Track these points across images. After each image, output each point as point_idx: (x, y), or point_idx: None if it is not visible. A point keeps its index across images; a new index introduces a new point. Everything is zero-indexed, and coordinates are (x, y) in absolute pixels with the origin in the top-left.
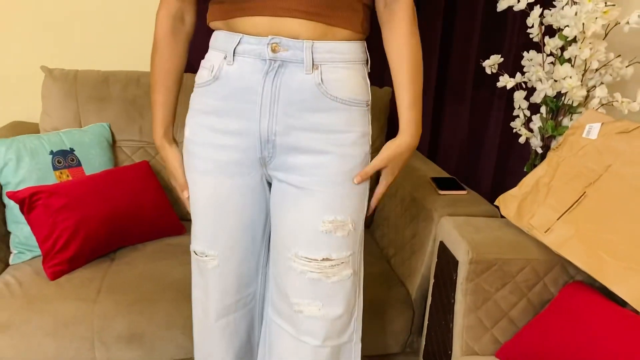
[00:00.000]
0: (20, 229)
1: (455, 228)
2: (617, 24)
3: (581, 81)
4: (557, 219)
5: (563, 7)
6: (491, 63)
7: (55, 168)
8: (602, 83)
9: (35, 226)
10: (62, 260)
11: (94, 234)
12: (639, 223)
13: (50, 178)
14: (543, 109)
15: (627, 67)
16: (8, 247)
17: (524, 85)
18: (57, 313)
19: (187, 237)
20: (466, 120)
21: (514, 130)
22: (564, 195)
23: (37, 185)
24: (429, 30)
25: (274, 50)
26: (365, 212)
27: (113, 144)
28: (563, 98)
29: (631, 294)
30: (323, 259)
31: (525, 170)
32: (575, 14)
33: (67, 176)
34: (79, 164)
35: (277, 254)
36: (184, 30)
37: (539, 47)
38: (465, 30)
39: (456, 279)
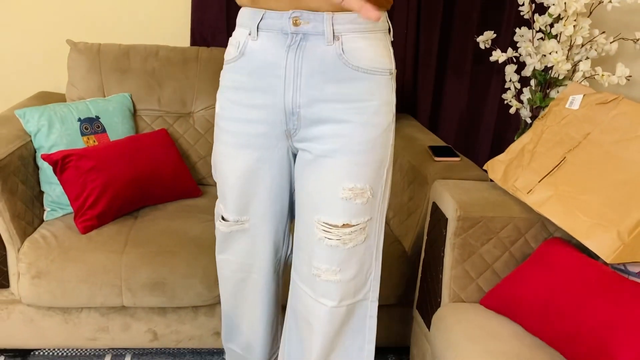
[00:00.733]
0: (52, 189)
1: (446, 190)
2: (600, 2)
3: (567, 56)
4: (539, 182)
5: None
6: (484, 39)
7: (83, 134)
8: (587, 58)
9: (67, 185)
10: (91, 216)
11: (119, 194)
12: (612, 185)
13: (79, 143)
14: (532, 82)
15: (611, 43)
16: (42, 205)
17: (515, 60)
18: (89, 262)
19: (203, 199)
20: (465, 94)
21: (505, 102)
22: (546, 160)
23: (68, 149)
24: (431, 9)
25: (295, 24)
26: (384, 180)
27: (134, 113)
28: (550, 72)
29: (600, 247)
30: (343, 225)
31: (515, 139)
32: None
33: (94, 141)
34: (104, 131)
35: (300, 219)
36: None
37: (530, 24)
38: (465, 9)
39: (446, 234)
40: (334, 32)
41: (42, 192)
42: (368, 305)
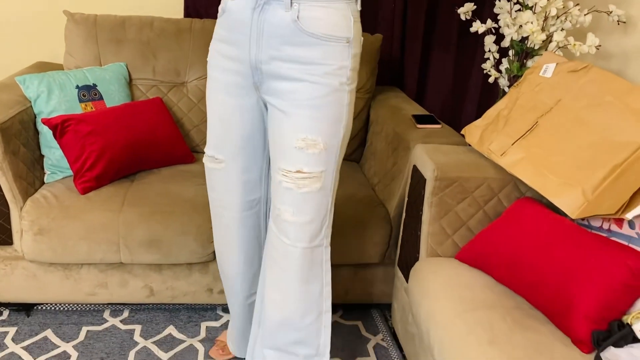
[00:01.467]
0: (52, 152)
1: (425, 153)
2: None
3: (542, 27)
4: (512, 144)
5: None
6: (464, 10)
7: (81, 100)
8: (562, 29)
9: (66, 148)
10: (90, 177)
11: (117, 157)
12: (579, 148)
13: (77, 109)
14: (510, 52)
15: (585, 15)
16: (42, 169)
17: (494, 31)
18: (88, 221)
19: (197, 165)
20: (451, 67)
21: (485, 71)
22: (519, 124)
23: (67, 114)
24: None
25: None
26: (340, 138)
27: (129, 82)
28: (526, 42)
29: (566, 204)
30: (297, 171)
31: None
32: None
33: (91, 108)
34: (101, 98)
35: (271, 165)
36: None
37: None
38: None
39: (424, 194)
40: (291, 0)
41: (42, 156)
42: (323, 251)
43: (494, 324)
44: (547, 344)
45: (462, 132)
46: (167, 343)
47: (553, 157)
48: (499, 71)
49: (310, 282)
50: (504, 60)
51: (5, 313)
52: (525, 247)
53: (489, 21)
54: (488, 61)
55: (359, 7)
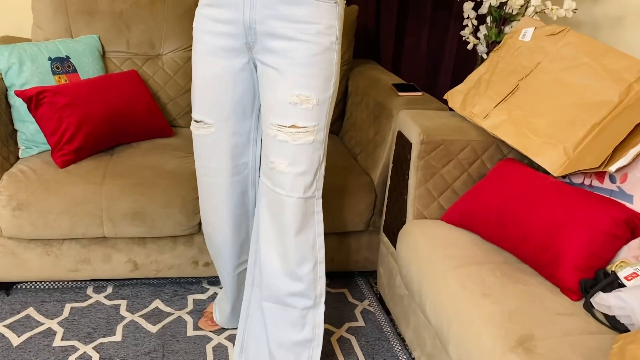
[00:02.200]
0: (26, 127)
1: (410, 117)
2: None
3: None
4: (494, 107)
5: None
6: None
7: (54, 73)
8: None
9: (42, 121)
10: (69, 150)
11: (95, 130)
12: (559, 108)
13: (50, 81)
14: (488, 19)
15: None
16: (16, 144)
17: None
18: (69, 194)
19: (176, 139)
20: (426, 39)
21: (464, 38)
22: (500, 87)
23: (42, 86)
24: None
25: None
26: (330, 94)
27: (103, 55)
28: (505, 7)
29: (548, 162)
30: (291, 126)
31: None
32: None
33: (65, 80)
34: (75, 70)
35: (262, 122)
36: None
37: None
38: None
39: (410, 158)
40: None
41: (15, 131)
42: (314, 202)
43: (485, 278)
44: (537, 294)
45: (444, 96)
46: (155, 316)
47: (534, 118)
48: (477, 38)
49: (305, 232)
50: (482, 27)
51: None
52: (511, 204)
53: None
54: (467, 28)
55: None
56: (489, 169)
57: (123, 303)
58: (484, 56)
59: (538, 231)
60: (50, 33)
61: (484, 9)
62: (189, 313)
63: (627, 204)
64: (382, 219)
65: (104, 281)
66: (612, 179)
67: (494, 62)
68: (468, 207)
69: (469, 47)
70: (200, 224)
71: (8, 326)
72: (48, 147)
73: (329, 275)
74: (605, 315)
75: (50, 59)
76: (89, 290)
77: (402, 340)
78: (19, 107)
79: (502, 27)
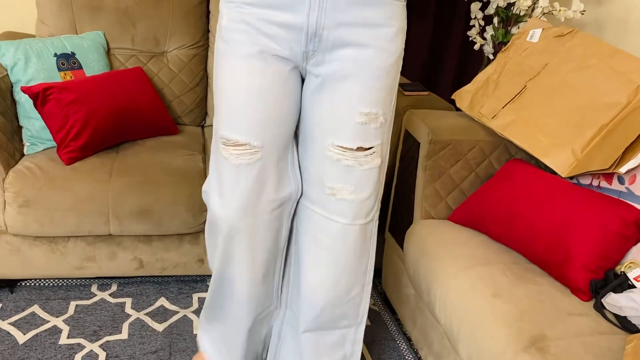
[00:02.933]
0: (32, 123)
1: (418, 117)
2: None
3: None
4: (502, 108)
5: None
6: None
7: (59, 69)
8: None
9: (49, 118)
10: (75, 147)
11: (101, 127)
12: (567, 109)
13: (56, 78)
14: (495, 20)
15: None
16: (21, 140)
17: None
18: (76, 191)
19: (181, 136)
20: (429, 37)
21: (470, 39)
22: (509, 88)
23: (48, 82)
24: None
25: None
26: (392, 105)
27: (107, 51)
28: (512, 8)
29: (556, 163)
30: (358, 149)
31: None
32: None
33: (71, 77)
34: (80, 67)
35: (311, 143)
36: None
37: None
38: None
39: (418, 158)
40: None
41: (20, 127)
42: (374, 225)
43: (495, 278)
44: (548, 294)
45: (452, 96)
46: (160, 315)
47: (542, 119)
48: (484, 38)
49: (362, 257)
50: (489, 28)
51: None
52: (519, 205)
53: None
54: (473, 28)
55: None
56: (496, 169)
57: (128, 301)
58: (491, 57)
59: (547, 231)
60: (55, 29)
61: (491, 10)
62: (194, 312)
63: (637, 205)
64: (388, 219)
65: (108, 279)
66: (621, 180)
67: (502, 63)
68: (476, 207)
69: (476, 47)
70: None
71: (13, 324)
72: (53, 143)
73: None
74: (616, 316)
75: (55, 55)
76: (94, 288)
77: (408, 340)
78: (25, 103)
79: (509, 28)
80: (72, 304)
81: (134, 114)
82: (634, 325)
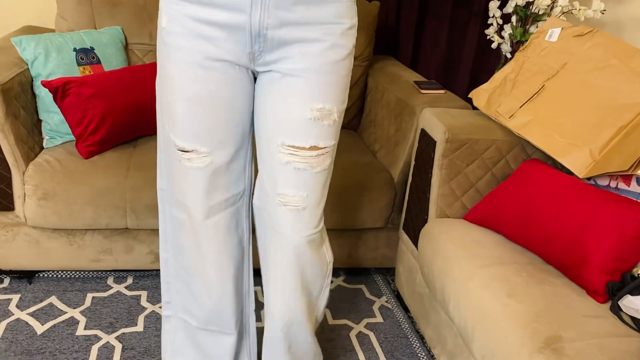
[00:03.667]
0: (51, 117)
1: (435, 115)
2: None
3: None
4: (520, 107)
5: None
6: None
7: (79, 64)
8: None
9: (68, 112)
10: (93, 142)
11: (119, 121)
12: (586, 110)
13: (75, 72)
14: (513, 18)
15: None
16: (40, 134)
17: None
18: (94, 185)
19: None
20: (445, 37)
21: (488, 37)
22: (526, 88)
23: (68, 77)
24: None
25: None
26: (345, 104)
27: (126, 47)
28: (531, 7)
29: (574, 164)
30: (310, 147)
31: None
32: None
33: (90, 72)
34: (99, 62)
35: (263, 145)
36: None
37: None
38: None
39: (434, 157)
40: None
41: (40, 121)
42: (324, 228)
43: (510, 279)
44: (564, 295)
45: (469, 95)
46: None
47: (560, 119)
48: (502, 37)
49: (320, 264)
50: (507, 26)
51: (6, 281)
52: (536, 205)
53: None
54: (491, 27)
55: None
56: (513, 169)
57: (143, 294)
58: (508, 55)
59: (564, 232)
60: (74, 24)
61: (509, 8)
62: None
63: None
64: (402, 217)
65: (124, 272)
66: None
67: (520, 62)
68: (492, 206)
69: (493, 46)
70: None
71: (32, 314)
72: (71, 137)
73: (346, 271)
74: (633, 318)
75: (75, 49)
76: (110, 281)
77: (421, 338)
78: (44, 97)
79: (528, 27)
80: (89, 296)
81: (151, 109)
82: None
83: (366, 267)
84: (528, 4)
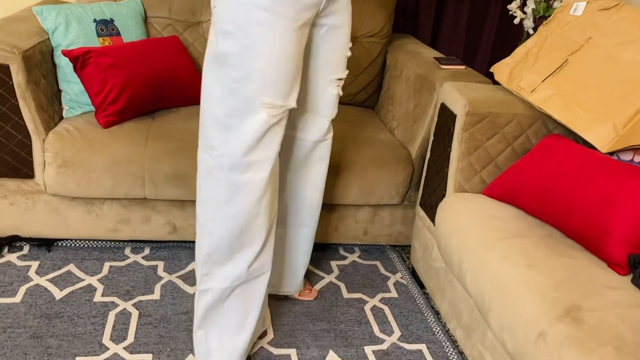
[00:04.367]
0: (71, 87)
1: (455, 89)
2: None
3: None
4: (542, 81)
5: None
6: None
7: (99, 35)
8: None
9: (87, 81)
10: (113, 111)
11: (138, 92)
12: (610, 84)
13: (95, 43)
14: None
15: None
16: (60, 104)
17: None
18: (113, 154)
19: None
20: (466, 13)
21: (510, 13)
22: (549, 62)
23: (88, 46)
24: None
25: None
26: None
27: (145, 20)
28: None
29: (597, 138)
30: (343, 78)
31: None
32: None
33: (109, 43)
34: (119, 34)
35: (315, 83)
36: None
37: None
38: None
39: (453, 131)
40: None
41: (60, 91)
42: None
43: (530, 251)
44: (584, 267)
45: (491, 69)
46: (192, 278)
47: (583, 94)
48: (524, 12)
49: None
50: (529, 2)
51: (26, 248)
52: (557, 179)
53: None
54: (514, 1)
55: None
56: (533, 144)
57: (160, 264)
58: (530, 31)
59: (585, 206)
60: None
61: None
62: None
63: None
64: (419, 193)
65: (141, 242)
66: None
67: (543, 36)
68: (512, 181)
69: (516, 21)
70: None
71: (50, 280)
72: (91, 108)
73: (361, 247)
74: None
75: (95, 21)
76: (127, 251)
77: (436, 313)
78: (65, 67)
79: (551, 2)
80: (107, 265)
81: (169, 81)
82: None
83: (381, 244)
84: None
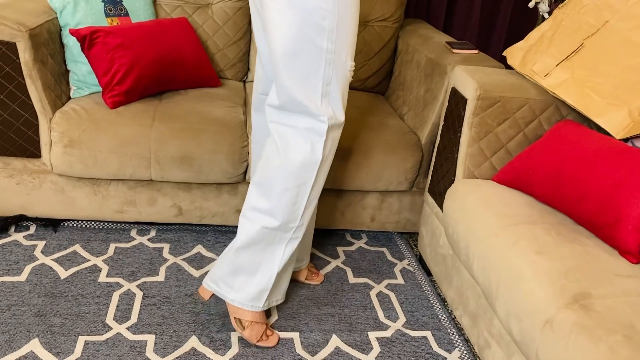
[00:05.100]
0: (78, 67)
1: (466, 73)
2: None
3: None
4: (556, 66)
5: None
6: None
7: (107, 15)
8: None
9: (94, 61)
10: (120, 92)
11: (145, 73)
12: (626, 69)
13: (103, 23)
14: None
15: None
16: (68, 84)
17: None
18: (119, 134)
19: (223, 88)
20: (479, 1)
21: None
22: (564, 46)
23: (95, 26)
24: None
25: None
26: None
27: (154, 1)
28: None
29: (611, 124)
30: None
31: None
32: None
33: (117, 23)
34: (127, 14)
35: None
36: None
37: None
38: None
39: (464, 115)
40: None
41: (67, 71)
42: None
43: (539, 237)
44: (594, 255)
45: (503, 53)
46: (197, 261)
47: (598, 79)
48: None
49: None
50: None
51: (32, 228)
52: (569, 165)
53: None
54: None
55: None
56: (545, 130)
57: (166, 246)
58: (546, 15)
59: (597, 192)
60: None
61: None
62: None
63: None
64: (428, 180)
65: (147, 224)
66: None
67: (558, 20)
68: (522, 167)
69: (530, 5)
70: (245, 172)
71: (56, 260)
72: (98, 88)
73: (368, 234)
74: None
75: (103, 0)
76: (133, 232)
77: (443, 301)
78: (72, 47)
79: None
80: (112, 246)
81: (177, 63)
82: None
83: (389, 231)
84: None
